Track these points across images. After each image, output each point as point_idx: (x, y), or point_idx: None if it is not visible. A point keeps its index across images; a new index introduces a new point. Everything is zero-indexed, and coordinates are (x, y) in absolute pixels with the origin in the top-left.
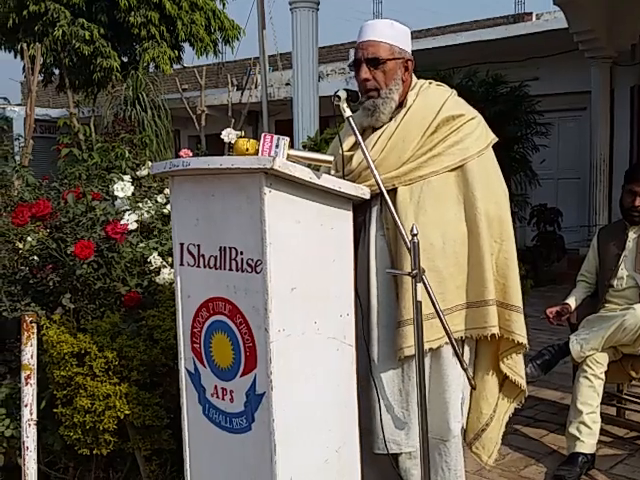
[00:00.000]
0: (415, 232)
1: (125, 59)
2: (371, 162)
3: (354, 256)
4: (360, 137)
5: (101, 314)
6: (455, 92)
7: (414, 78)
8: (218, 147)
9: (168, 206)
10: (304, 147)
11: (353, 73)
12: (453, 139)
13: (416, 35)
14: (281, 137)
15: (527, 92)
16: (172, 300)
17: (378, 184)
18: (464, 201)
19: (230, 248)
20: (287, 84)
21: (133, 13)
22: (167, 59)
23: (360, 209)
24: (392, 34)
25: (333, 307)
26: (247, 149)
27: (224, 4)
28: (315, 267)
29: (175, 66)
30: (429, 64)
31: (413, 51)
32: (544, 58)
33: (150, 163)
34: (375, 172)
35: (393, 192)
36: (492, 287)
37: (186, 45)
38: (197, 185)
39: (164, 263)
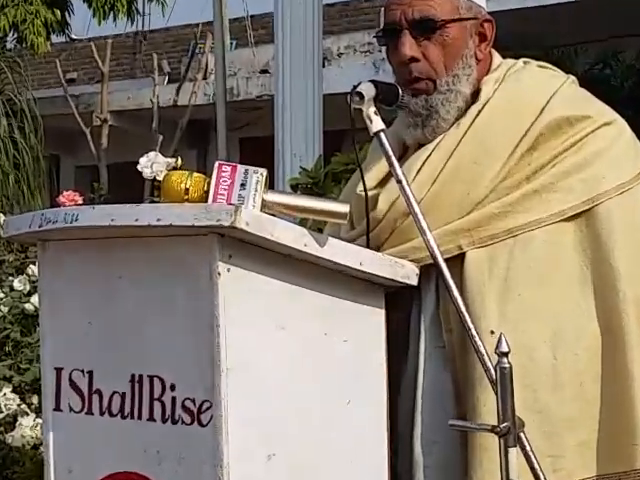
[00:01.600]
0: (504, 349)
1: None
2: (414, 203)
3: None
4: (394, 159)
5: None
6: (573, 79)
7: (496, 55)
8: (132, 186)
9: (34, 298)
10: (294, 188)
11: (385, 51)
12: (571, 162)
13: None
14: (252, 169)
15: None
16: (38, 479)
17: (429, 247)
18: (595, 277)
19: (151, 378)
20: (263, 71)
21: None
22: (41, 26)
23: (399, 300)
24: None
25: None
26: (186, 190)
27: None
28: (314, 414)
29: (56, 39)
30: (528, 39)
31: (494, 14)
32: None
33: (2, 218)
34: (422, 222)
35: (458, 260)
36: None
37: (77, 1)
38: (91, 259)
39: (24, 407)
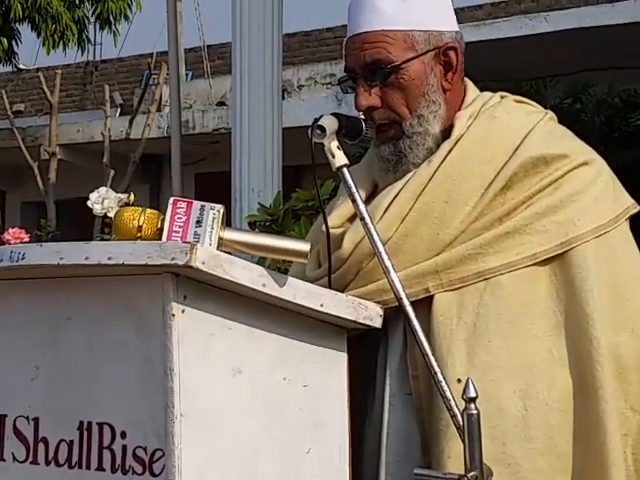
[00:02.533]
0: (472, 394)
1: None
2: (379, 243)
3: (350, 437)
4: (357, 195)
5: None
6: (552, 115)
7: (471, 87)
8: (82, 223)
9: None
10: (252, 226)
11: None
12: (546, 203)
13: (469, 16)
14: (208, 205)
15: None
16: None
17: (394, 289)
18: (568, 325)
19: (100, 426)
20: (220, 104)
21: None
22: None
23: (364, 342)
24: (407, 8)
25: None
26: (139, 227)
27: None
28: (272, 463)
29: (2, 69)
30: (497, 71)
31: (468, 44)
32: None
33: None
34: (387, 262)
35: (427, 303)
36: None
37: (25, 28)
38: (38, 299)
39: None
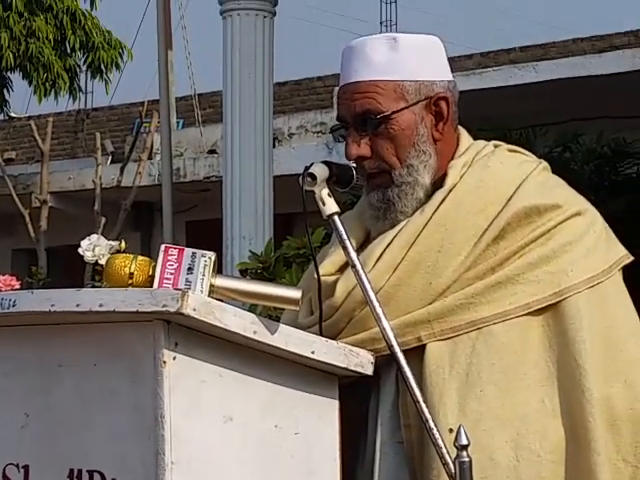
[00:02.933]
0: (464, 442)
1: None
2: (370, 290)
3: None
4: (348, 243)
5: None
6: (545, 165)
7: (464, 135)
8: (73, 270)
9: None
10: (243, 273)
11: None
12: (538, 253)
13: (459, 66)
14: (200, 253)
15: None
16: None
17: (386, 339)
18: (561, 375)
19: (91, 474)
20: (211, 152)
21: None
22: None
23: (356, 390)
24: (398, 58)
25: None
26: (131, 274)
27: (94, 3)
28: None
29: None
30: (486, 120)
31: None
32: None
33: None
34: (379, 310)
35: (419, 352)
36: None
37: (16, 76)
38: (29, 346)
39: None
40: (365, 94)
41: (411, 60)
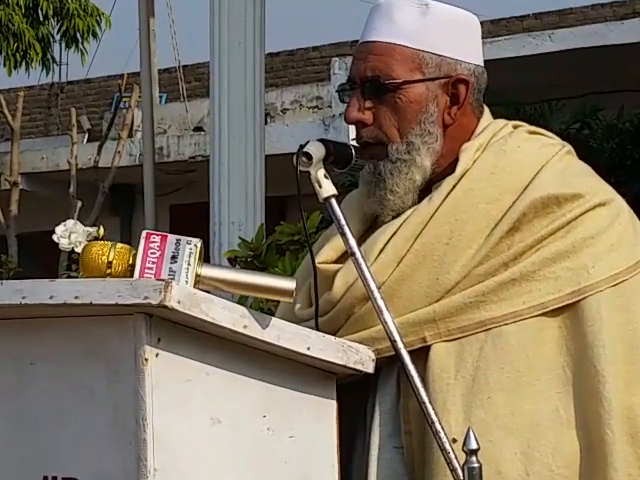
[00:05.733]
0: (473, 446)
1: None
2: (374, 288)
3: None
4: (347, 228)
5: None
6: (569, 149)
7: (486, 113)
8: (46, 258)
9: None
10: (232, 262)
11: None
12: (557, 247)
13: None
14: (184, 240)
15: None
16: None
17: (390, 337)
18: (578, 382)
19: None
20: (197, 129)
21: None
22: None
23: (354, 393)
24: (425, 25)
25: None
26: (109, 263)
27: None
28: None
29: None
30: (497, 94)
31: None
32: None
33: None
34: (383, 308)
35: (423, 352)
36: None
37: None
38: None
39: None
40: (379, 56)
41: (439, 32)
